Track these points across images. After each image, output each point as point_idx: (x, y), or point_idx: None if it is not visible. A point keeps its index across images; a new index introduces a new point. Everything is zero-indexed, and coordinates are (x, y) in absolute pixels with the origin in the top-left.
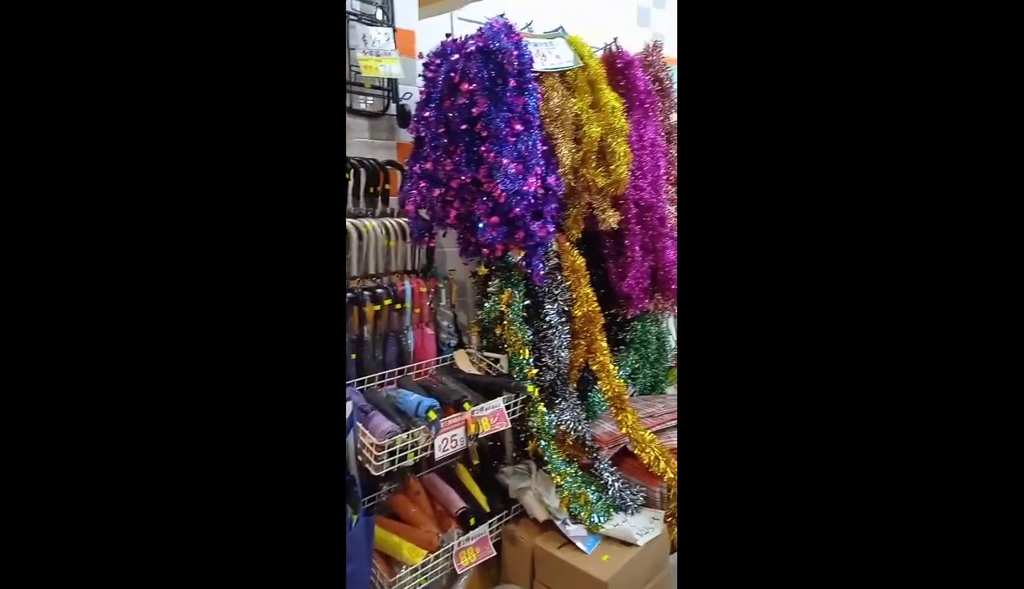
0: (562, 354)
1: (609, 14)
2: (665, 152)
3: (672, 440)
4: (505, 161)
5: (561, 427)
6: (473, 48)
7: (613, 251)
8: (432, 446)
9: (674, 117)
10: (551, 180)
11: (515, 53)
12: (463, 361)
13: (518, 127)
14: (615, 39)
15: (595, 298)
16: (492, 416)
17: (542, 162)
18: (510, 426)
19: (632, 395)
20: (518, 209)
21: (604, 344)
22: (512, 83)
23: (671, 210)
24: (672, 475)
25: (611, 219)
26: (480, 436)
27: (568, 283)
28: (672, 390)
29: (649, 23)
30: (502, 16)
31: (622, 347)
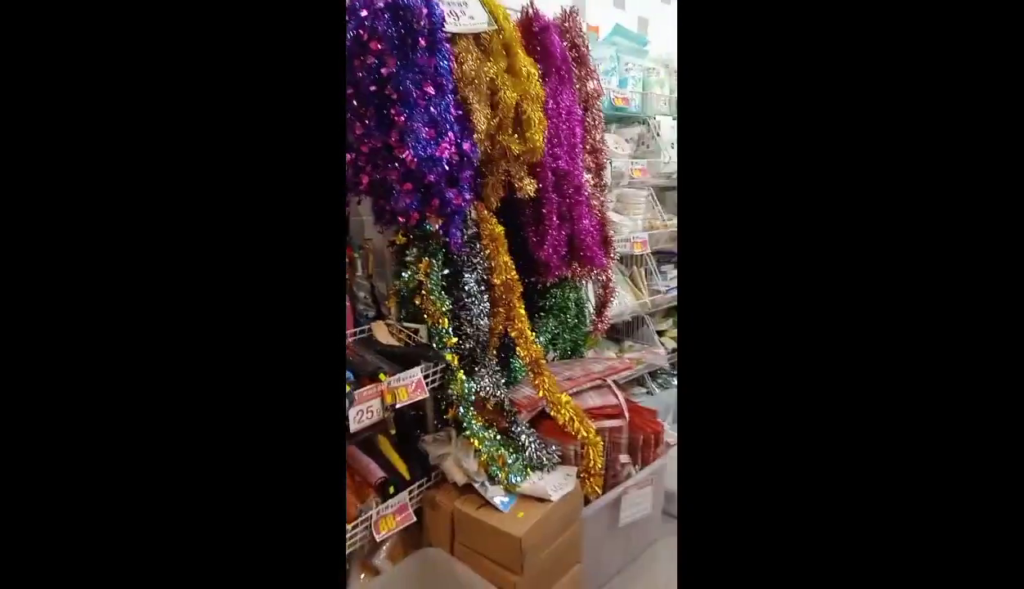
0: (482, 322)
1: None
2: (581, 120)
3: (586, 400)
4: (416, 125)
5: (480, 393)
6: (381, 4)
7: (531, 219)
8: (346, 418)
9: (591, 85)
10: (466, 146)
11: (425, 11)
12: (381, 332)
13: (430, 90)
14: (531, 2)
15: (514, 266)
16: (410, 386)
17: (456, 127)
18: (428, 395)
19: (552, 359)
20: (432, 176)
21: (522, 311)
22: (422, 43)
23: (587, 179)
24: (585, 434)
25: (528, 187)
26: (398, 406)
27: (487, 252)
28: (591, 354)
29: None
30: None
31: (542, 314)
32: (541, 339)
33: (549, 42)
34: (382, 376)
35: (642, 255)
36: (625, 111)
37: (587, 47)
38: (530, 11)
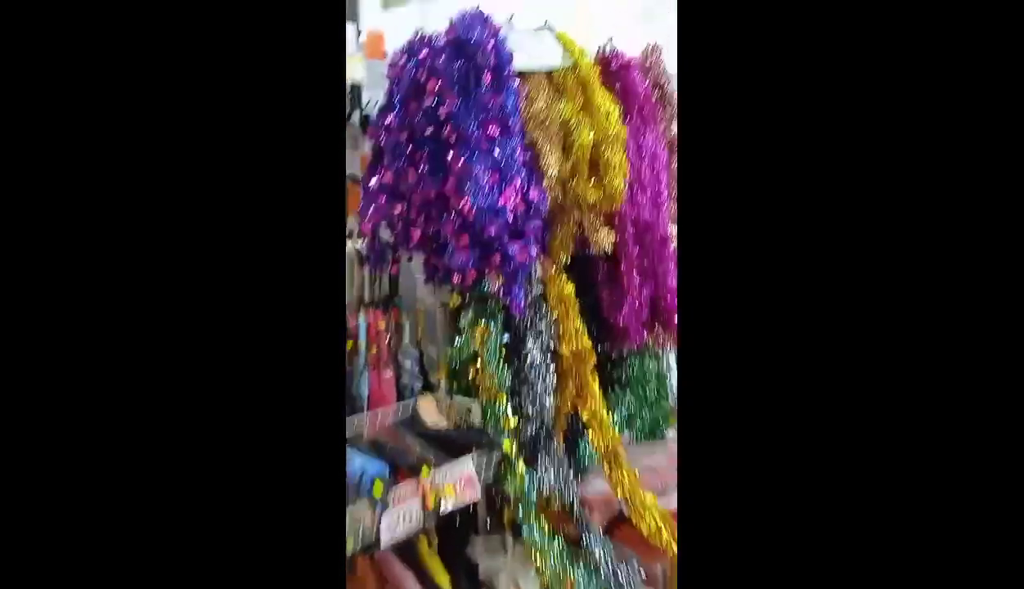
0: (547, 401)
1: (602, 12)
2: (666, 165)
3: (675, 501)
4: (477, 170)
5: (544, 492)
6: (443, 41)
7: (607, 277)
8: (378, 527)
9: (675, 128)
10: (533, 194)
11: (491, 45)
12: (428, 409)
13: (494, 131)
14: (610, 39)
15: (586, 333)
16: (459, 482)
17: (523, 173)
18: (480, 496)
19: (628, 442)
20: (493, 228)
21: (596, 388)
22: (488, 79)
23: (672, 230)
24: (676, 549)
25: (605, 240)
26: (443, 511)
27: (555, 315)
28: (673, 433)
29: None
30: (476, 8)
31: (616, 388)
32: (616, 418)
33: (630, 80)
34: (425, 470)
35: None
36: None
37: (672, 86)
38: (608, 49)
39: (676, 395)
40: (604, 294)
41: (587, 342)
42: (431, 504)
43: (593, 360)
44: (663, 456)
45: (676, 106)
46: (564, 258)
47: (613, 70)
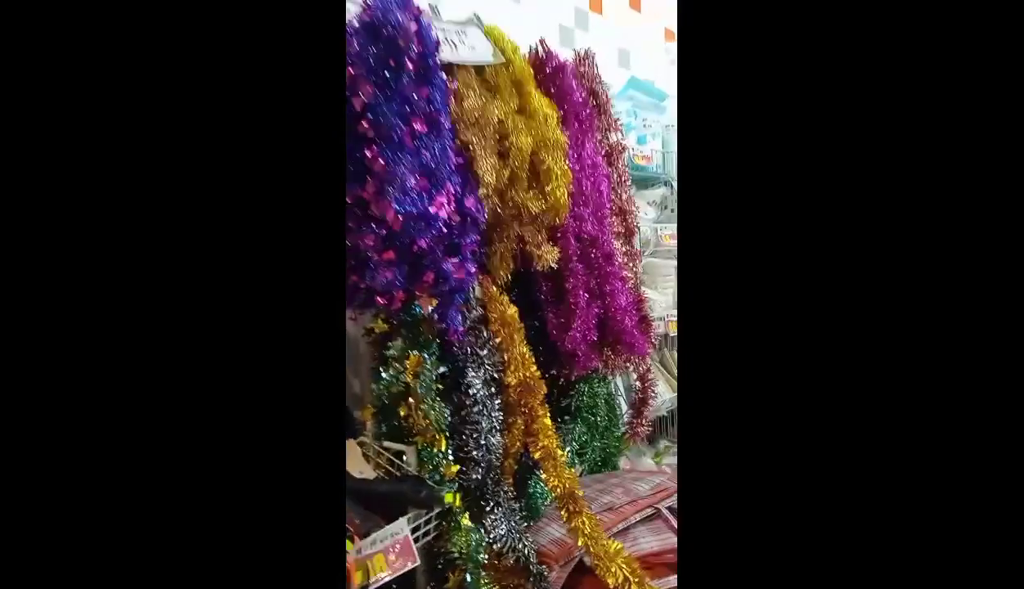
0: (493, 440)
1: (533, 11)
2: (608, 176)
3: (639, 543)
4: (402, 172)
5: (495, 546)
6: (357, 24)
7: (551, 297)
8: None
9: (614, 137)
10: (469, 203)
11: (414, 30)
12: (353, 458)
13: (419, 126)
14: (541, 40)
15: (533, 359)
16: (391, 551)
17: (456, 178)
18: (418, 563)
19: (581, 474)
20: (423, 241)
21: (548, 422)
22: (410, 67)
23: (617, 246)
24: None
25: (548, 255)
26: (371, 587)
27: (497, 341)
28: (624, 463)
29: (573, 43)
30: None
31: (566, 417)
32: (568, 451)
33: (566, 85)
34: (348, 543)
35: (675, 336)
36: (646, 171)
37: (607, 94)
38: (541, 50)
39: (627, 418)
40: (550, 316)
41: (535, 370)
42: (357, 581)
43: (543, 390)
44: (619, 490)
45: (612, 119)
46: (504, 276)
47: (548, 72)
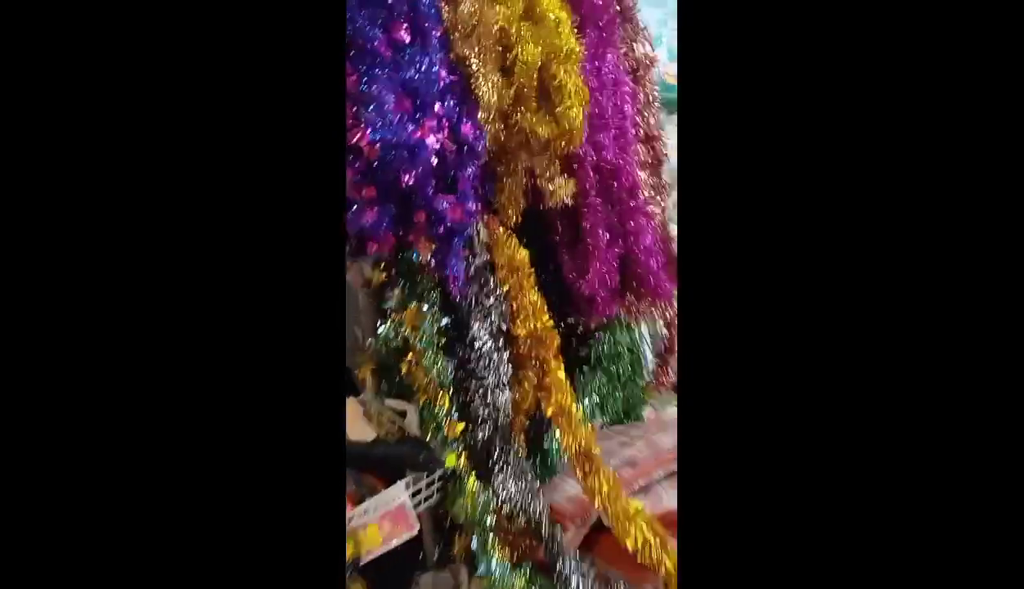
0: (500, 397)
1: None
2: (632, 95)
3: (664, 499)
4: (379, 91)
5: (503, 508)
6: None
7: (567, 238)
8: None
9: (640, 49)
10: (465, 129)
11: None
12: (352, 418)
13: (402, 36)
14: None
15: (545, 308)
16: (386, 521)
17: (448, 100)
18: (416, 531)
19: (601, 426)
20: (409, 175)
21: (562, 376)
22: None
23: (642, 177)
24: (671, 565)
25: (562, 190)
26: (364, 560)
27: (505, 289)
28: (649, 413)
29: None
30: None
31: (585, 368)
32: (586, 403)
33: None
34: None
35: None
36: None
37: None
38: None
39: (652, 371)
40: (565, 258)
41: (547, 319)
42: (351, 553)
43: (556, 341)
44: (642, 442)
45: (639, 28)
46: (514, 216)
47: None
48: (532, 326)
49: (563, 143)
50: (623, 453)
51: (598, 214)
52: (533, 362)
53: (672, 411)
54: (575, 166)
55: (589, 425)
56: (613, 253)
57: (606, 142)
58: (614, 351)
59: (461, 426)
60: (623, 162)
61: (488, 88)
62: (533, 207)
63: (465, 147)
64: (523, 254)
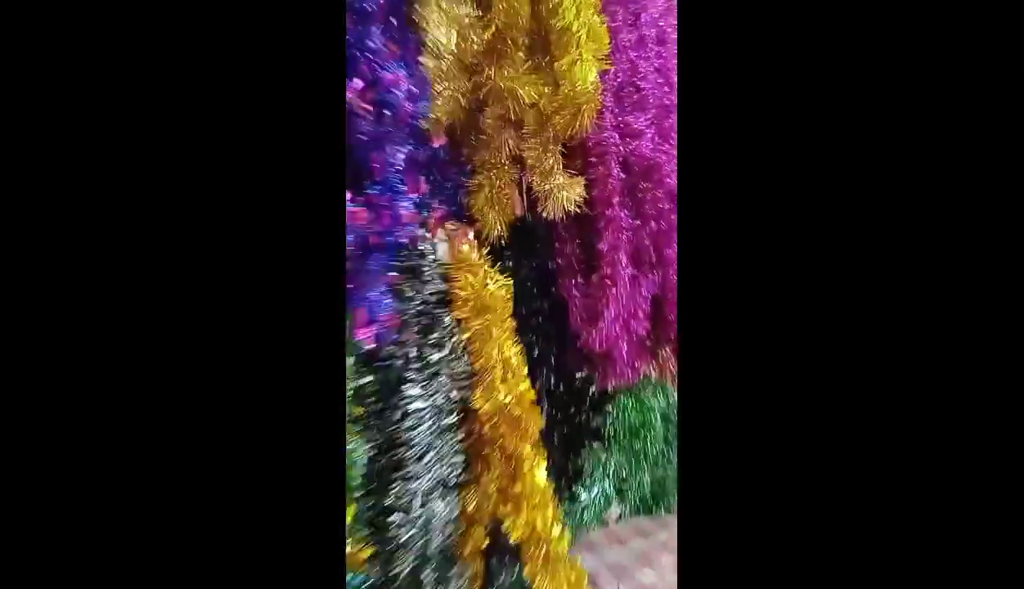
0: (439, 505)
1: None
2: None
3: None
4: None
5: None
6: None
7: (575, 266)
8: None
9: None
10: (394, 80)
11: None
12: None
13: None
14: None
15: (526, 371)
16: None
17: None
18: None
19: (619, 518)
20: None
21: (541, 481)
22: None
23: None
24: None
25: (568, 192)
26: None
27: (466, 337)
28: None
29: None
30: None
31: (594, 443)
32: (593, 492)
33: None
34: None
35: None
36: None
37: None
38: None
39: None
40: (571, 291)
41: (528, 389)
42: None
43: (538, 424)
44: (667, 556)
45: None
46: (496, 228)
47: None
48: (502, 398)
49: (568, 119)
50: (638, 577)
51: (622, 233)
52: (498, 454)
53: None
54: (590, 158)
55: (578, 564)
56: (641, 291)
57: (640, 124)
58: (640, 420)
59: (369, 552)
60: (665, 157)
61: (437, 16)
62: (526, 217)
63: (392, 110)
64: (500, 286)
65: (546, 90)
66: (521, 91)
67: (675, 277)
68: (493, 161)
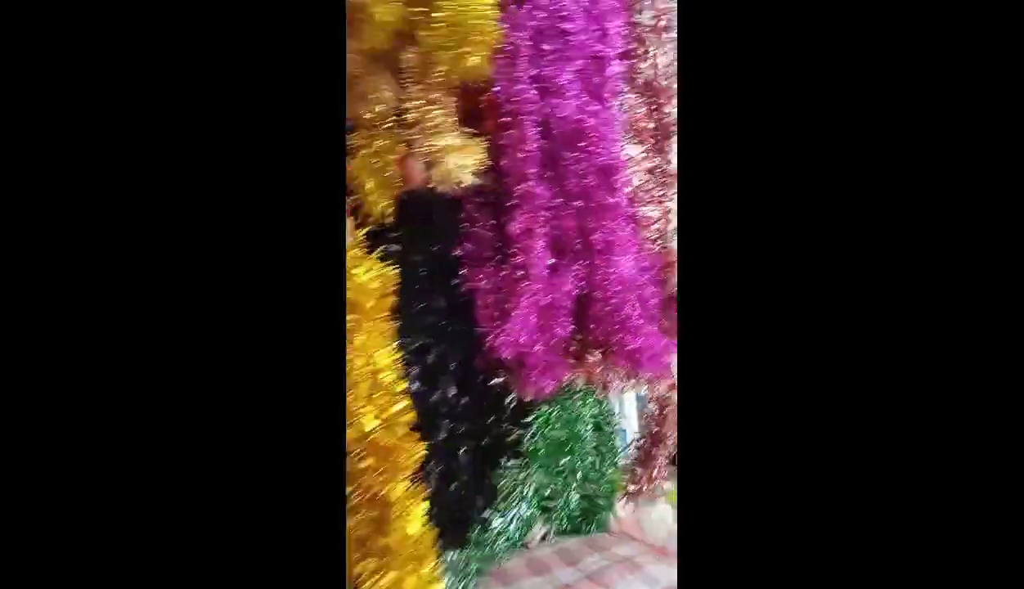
0: None
1: None
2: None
3: None
4: None
5: None
6: None
7: (480, 251)
8: None
9: None
10: None
11: None
12: None
13: None
14: None
15: (398, 379)
16: None
17: None
18: None
19: (543, 537)
20: None
21: (415, 530)
22: None
23: (631, 154)
24: None
25: (461, 160)
26: None
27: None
28: (616, 522)
29: None
30: None
31: (511, 458)
32: (509, 515)
33: None
34: None
35: None
36: None
37: None
38: None
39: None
40: (475, 286)
41: (404, 411)
42: None
43: (417, 454)
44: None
45: None
46: (379, 208)
47: None
48: (366, 422)
49: (456, 56)
50: None
51: (539, 214)
52: (362, 494)
53: (661, 510)
54: (500, 118)
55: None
56: (563, 286)
57: (564, 79)
58: (566, 434)
59: None
60: (596, 122)
61: None
62: (417, 191)
63: None
64: (372, 277)
65: (420, 12)
66: (375, 9)
67: (605, 274)
68: (369, 116)
